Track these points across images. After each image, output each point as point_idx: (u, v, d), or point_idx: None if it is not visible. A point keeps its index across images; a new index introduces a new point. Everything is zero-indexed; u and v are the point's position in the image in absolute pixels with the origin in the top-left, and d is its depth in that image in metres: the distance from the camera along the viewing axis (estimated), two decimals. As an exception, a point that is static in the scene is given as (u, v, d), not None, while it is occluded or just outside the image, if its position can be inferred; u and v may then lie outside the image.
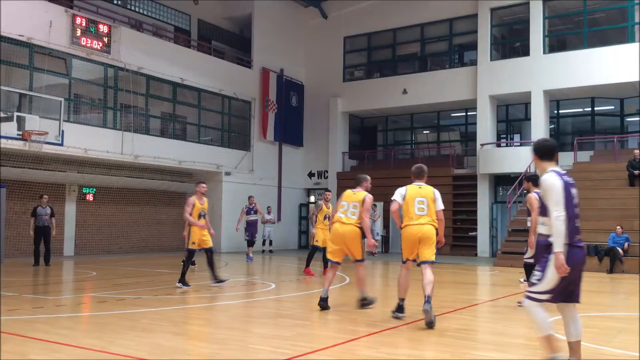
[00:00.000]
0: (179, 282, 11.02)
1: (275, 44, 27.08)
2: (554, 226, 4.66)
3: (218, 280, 11.19)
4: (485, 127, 23.84)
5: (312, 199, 28.39)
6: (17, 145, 16.43)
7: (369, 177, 8.88)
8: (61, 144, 16.91)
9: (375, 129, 29.77)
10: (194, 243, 10.98)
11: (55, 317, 7.89)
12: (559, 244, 4.62)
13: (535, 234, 6.14)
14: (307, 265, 14.28)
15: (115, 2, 23.26)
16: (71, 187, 20.51)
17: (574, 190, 4.82)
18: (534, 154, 5.03)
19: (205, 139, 24.27)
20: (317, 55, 28.57)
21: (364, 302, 8.73)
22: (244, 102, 25.74)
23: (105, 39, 19.61)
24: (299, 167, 28.43)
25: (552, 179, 4.75)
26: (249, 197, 19.52)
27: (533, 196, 8.36)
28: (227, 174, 24.36)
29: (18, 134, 15.65)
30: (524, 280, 12.92)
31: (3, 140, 15.87)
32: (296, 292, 11.44)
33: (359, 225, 8.48)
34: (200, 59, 24.06)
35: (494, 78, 23.56)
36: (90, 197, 21.21)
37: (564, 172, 4.88)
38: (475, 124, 24.55)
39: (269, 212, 23.95)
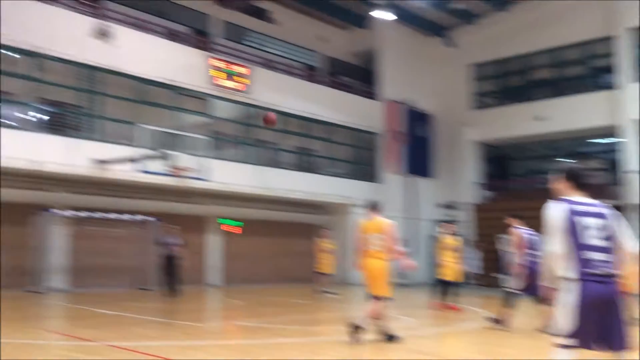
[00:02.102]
0: None
1: (401, 75, 27.17)
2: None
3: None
4: (631, 153, 22.23)
5: (440, 231, 27.76)
6: (166, 180, 17.73)
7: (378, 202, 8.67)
8: (206, 179, 18.02)
9: (508, 157, 28.70)
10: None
11: (205, 344, 8.32)
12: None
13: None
14: (444, 300, 13.98)
15: (250, 45, 24.54)
16: (213, 219, 21.81)
17: (579, 219, 4.35)
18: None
19: (333, 171, 24.77)
20: (444, 84, 28.25)
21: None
22: (371, 134, 26.01)
23: (243, 80, 20.88)
24: (428, 199, 28.01)
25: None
26: None
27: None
28: (357, 206, 24.57)
29: (167, 170, 16.85)
30: None
31: (154, 177, 17.19)
32: (434, 327, 11.20)
33: (385, 258, 8.14)
34: (328, 93, 24.73)
35: (638, 101, 21.98)
36: (230, 229, 22.41)
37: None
38: (618, 150, 22.97)
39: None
